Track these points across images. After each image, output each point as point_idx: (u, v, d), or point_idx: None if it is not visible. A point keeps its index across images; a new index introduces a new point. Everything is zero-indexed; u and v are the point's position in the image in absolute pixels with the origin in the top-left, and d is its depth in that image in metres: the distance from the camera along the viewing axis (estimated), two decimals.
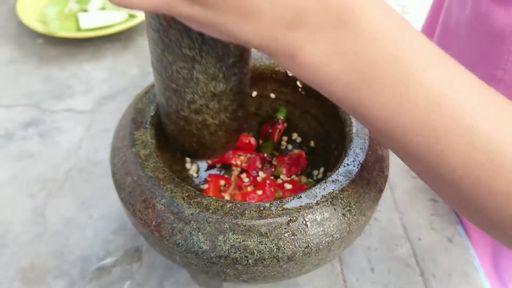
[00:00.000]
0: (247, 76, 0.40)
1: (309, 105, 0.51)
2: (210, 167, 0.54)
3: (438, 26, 0.59)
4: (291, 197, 0.37)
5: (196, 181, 0.52)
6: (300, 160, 0.52)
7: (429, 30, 0.67)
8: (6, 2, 0.89)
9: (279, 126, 0.53)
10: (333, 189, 0.37)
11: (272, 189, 0.49)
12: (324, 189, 0.37)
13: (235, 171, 0.53)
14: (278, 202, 0.36)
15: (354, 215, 0.37)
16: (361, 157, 0.40)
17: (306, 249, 0.35)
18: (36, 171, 0.60)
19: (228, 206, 0.36)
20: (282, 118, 0.54)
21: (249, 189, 0.50)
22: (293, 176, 0.52)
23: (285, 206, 0.36)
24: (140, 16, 0.81)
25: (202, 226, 0.35)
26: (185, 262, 0.37)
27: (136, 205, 0.38)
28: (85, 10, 0.82)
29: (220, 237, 0.35)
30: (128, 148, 0.40)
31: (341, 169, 0.39)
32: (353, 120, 0.43)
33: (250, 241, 0.35)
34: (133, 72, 0.76)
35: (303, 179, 0.51)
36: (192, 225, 0.35)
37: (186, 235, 0.35)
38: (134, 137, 0.41)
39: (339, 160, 0.41)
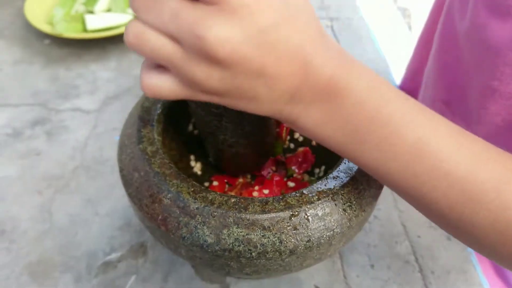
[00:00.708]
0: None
1: None
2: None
3: (437, 31, 0.60)
4: (293, 193, 0.38)
5: (200, 179, 0.53)
6: (308, 155, 0.53)
7: (428, 34, 0.69)
8: (14, 3, 0.91)
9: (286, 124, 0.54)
10: (334, 185, 0.38)
11: (278, 189, 0.50)
12: (325, 185, 0.38)
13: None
14: (280, 197, 0.37)
15: (355, 210, 0.38)
16: None
17: (307, 243, 0.36)
18: (43, 168, 0.62)
19: (232, 201, 0.37)
20: None
21: (256, 188, 0.51)
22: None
23: (288, 201, 0.37)
24: None
25: (207, 220, 0.36)
26: (190, 255, 0.39)
27: (143, 200, 0.39)
28: (91, 12, 0.83)
29: (225, 231, 0.36)
30: (136, 145, 0.42)
31: (342, 166, 0.40)
32: None
33: (254, 234, 0.36)
34: (138, 72, 0.77)
35: (305, 177, 0.52)
36: (198, 219, 0.36)
37: (191, 229, 0.37)
38: (141, 134, 0.42)
39: (340, 157, 0.42)
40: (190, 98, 0.30)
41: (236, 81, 0.28)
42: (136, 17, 0.27)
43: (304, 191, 0.38)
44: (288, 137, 0.57)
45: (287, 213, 0.36)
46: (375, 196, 0.40)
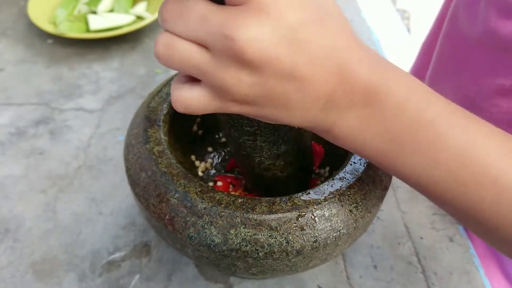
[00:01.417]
0: (305, 133, 0.44)
1: None
2: (227, 171, 0.56)
3: (441, 37, 0.61)
4: (300, 193, 0.38)
5: (204, 179, 0.54)
6: (316, 148, 0.53)
7: (431, 40, 0.69)
8: (17, 3, 0.91)
9: None
10: (340, 186, 0.39)
11: None
12: (331, 186, 0.39)
13: None
14: (287, 198, 0.38)
15: (361, 211, 0.39)
16: None
17: (314, 244, 0.37)
18: (47, 168, 0.62)
19: (239, 201, 0.37)
20: None
21: None
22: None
23: (294, 201, 0.37)
24: (148, 19, 0.82)
25: (214, 220, 0.37)
26: (196, 255, 0.39)
27: (150, 199, 0.39)
28: (94, 12, 0.84)
29: (232, 231, 0.36)
30: (142, 144, 0.42)
31: (348, 167, 0.40)
32: None
33: (261, 235, 0.36)
34: (140, 72, 0.78)
35: (322, 172, 0.53)
36: (205, 219, 0.37)
37: (198, 229, 0.37)
38: (147, 134, 0.42)
39: (345, 159, 0.43)
40: (221, 110, 0.29)
41: (267, 85, 0.27)
42: (165, 30, 0.27)
43: (311, 192, 0.38)
44: None
45: (294, 214, 0.37)
46: (381, 197, 0.41)
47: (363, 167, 0.40)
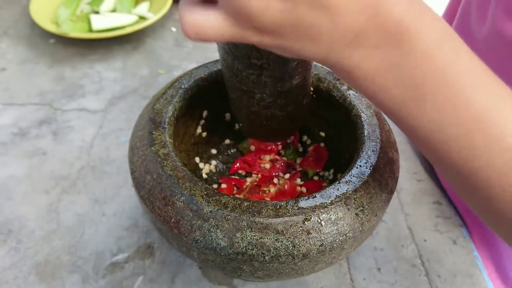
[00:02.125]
0: (310, 70, 0.43)
1: (320, 108, 0.52)
2: (231, 174, 0.55)
3: None
4: (306, 197, 0.38)
5: (208, 181, 0.54)
6: (320, 150, 0.53)
7: None
8: (19, 2, 0.91)
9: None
10: (346, 190, 0.39)
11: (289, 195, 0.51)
12: (337, 190, 0.39)
13: (254, 177, 0.55)
14: (293, 201, 0.38)
15: (367, 215, 0.39)
16: (373, 159, 0.41)
17: (320, 247, 0.37)
18: (50, 168, 0.62)
19: (245, 204, 0.37)
20: None
21: (272, 189, 0.52)
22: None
23: (301, 205, 0.37)
24: (150, 19, 0.82)
25: (220, 223, 0.36)
26: (202, 258, 0.39)
27: (156, 202, 0.39)
28: (96, 12, 0.83)
29: (238, 234, 0.36)
30: (147, 147, 0.42)
31: (354, 171, 0.40)
32: (365, 124, 0.44)
33: (267, 238, 0.36)
34: (143, 73, 0.78)
35: (326, 175, 0.53)
36: (211, 222, 0.37)
37: (204, 232, 0.37)
38: (153, 136, 0.42)
39: (351, 162, 0.42)
40: (237, 39, 0.26)
41: (297, 12, 0.24)
42: None
43: (317, 195, 0.38)
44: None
45: (300, 217, 0.36)
46: (387, 201, 0.41)
47: (369, 171, 0.40)
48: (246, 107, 0.44)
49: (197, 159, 0.53)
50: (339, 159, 0.52)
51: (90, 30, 0.81)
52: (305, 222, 0.36)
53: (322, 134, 0.55)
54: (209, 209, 0.37)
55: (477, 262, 0.54)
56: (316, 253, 0.37)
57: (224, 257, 0.37)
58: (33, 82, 0.74)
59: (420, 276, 0.53)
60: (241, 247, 0.36)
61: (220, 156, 0.56)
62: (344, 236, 0.37)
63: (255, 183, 0.53)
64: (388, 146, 0.44)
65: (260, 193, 0.52)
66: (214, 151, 0.56)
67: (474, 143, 0.29)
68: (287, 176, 0.53)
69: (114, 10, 0.85)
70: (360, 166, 0.41)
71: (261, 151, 0.55)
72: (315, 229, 0.37)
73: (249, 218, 0.36)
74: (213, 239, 0.36)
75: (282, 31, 0.25)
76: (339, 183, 0.39)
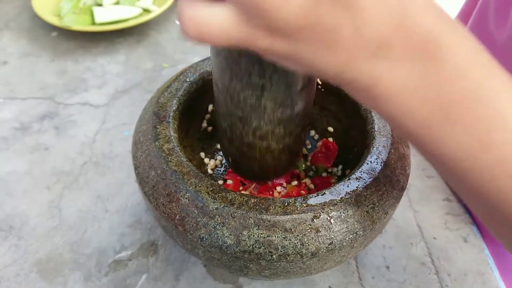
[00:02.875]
0: (312, 98, 0.39)
1: (329, 102, 0.51)
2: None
3: None
4: (315, 194, 0.37)
5: (213, 177, 0.52)
6: (329, 144, 0.52)
7: None
8: None
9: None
10: (356, 186, 0.37)
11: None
12: (347, 186, 0.37)
13: None
14: (302, 198, 0.36)
15: (378, 212, 0.37)
16: (384, 155, 0.40)
17: (329, 246, 0.35)
18: (52, 164, 0.61)
19: (252, 201, 0.36)
20: None
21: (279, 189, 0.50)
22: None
23: (309, 202, 0.36)
24: (154, 12, 0.81)
25: (226, 220, 0.35)
26: (207, 256, 0.38)
27: (160, 198, 0.38)
28: (99, 4, 0.82)
29: (245, 232, 0.35)
30: (152, 142, 0.40)
31: (365, 167, 0.39)
32: (375, 118, 0.43)
33: (275, 236, 0.35)
34: (147, 66, 0.76)
35: (335, 171, 0.52)
36: (217, 220, 0.35)
37: (210, 230, 0.36)
38: (157, 131, 0.41)
39: (360, 157, 0.41)
40: (245, 42, 0.23)
41: (319, 10, 0.21)
42: None
43: (326, 192, 0.37)
44: None
45: (309, 215, 0.35)
46: (398, 198, 0.39)
47: (380, 167, 0.39)
48: (239, 138, 0.40)
49: (202, 154, 0.52)
50: (348, 155, 0.50)
51: (93, 23, 0.79)
52: (314, 220, 0.35)
53: (330, 129, 0.53)
54: (215, 206, 0.36)
55: (488, 261, 0.53)
56: (325, 252, 0.35)
57: (230, 256, 0.36)
58: (35, 76, 0.73)
59: (430, 275, 0.51)
60: (248, 245, 0.35)
61: None
62: (354, 234, 0.36)
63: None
64: (399, 142, 0.42)
65: (268, 190, 0.50)
66: (219, 146, 0.55)
67: (511, 171, 0.25)
68: (295, 183, 0.52)
69: (117, 3, 0.83)
70: (370, 162, 0.40)
71: None
72: (325, 227, 0.35)
73: (256, 215, 0.35)
74: (219, 237, 0.35)
75: (297, 33, 0.22)
76: (349, 179, 0.38)
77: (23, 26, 0.83)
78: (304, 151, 0.54)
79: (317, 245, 0.35)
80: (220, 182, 0.51)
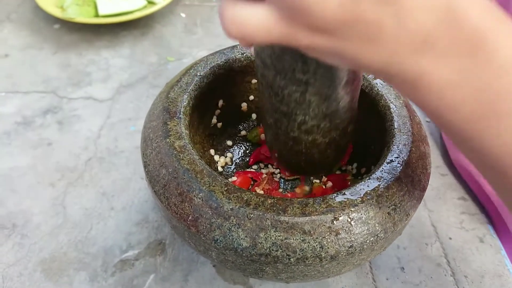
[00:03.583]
0: (358, 91, 0.38)
1: None
2: (250, 165, 0.53)
3: None
4: (335, 194, 0.35)
5: (224, 174, 0.51)
6: None
7: None
8: None
9: None
10: (377, 186, 0.36)
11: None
12: (368, 186, 0.36)
13: (270, 168, 0.52)
14: (321, 198, 0.35)
15: (399, 214, 0.36)
16: (405, 154, 0.38)
17: (350, 249, 0.34)
18: (55, 159, 0.59)
19: (269, 202, 0.34)
20: None
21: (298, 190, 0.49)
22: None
23: (329, 203, 0.34)
24: (159, 4, 0.79)
25: (242, 222, 0.34)
26: (221, 259, 0.36)
27: (171, 198, 0.36)
28: None
29: (261, 234, 0.33)
30: (162, 139, 0.39)
31: (385, 166, 0.37)
32: (394, 115, 0.41)
33: (293, 239, 0.33)
34: (152, 60, 0.75)
35: (349, 170, 0.51)
36: (232, 221, 0.34)
37: (225, 231, 0.34)
38: (167, 127, 0.39)
39: (381, 156, 0.40)
40: (286, 39, 0.23)
41: (359, 5, 0.21)
42: None
43: (346, 192, 0.35)
44: None
45: (329, 216, 0.34)
46: (419, 199, 0.38)
47: (401, 166, 0.37)
48: (285, 133, 0.39)
49: (212, 151, 0.50)
50: (363, 153, 0.49)
51: (97, 15, 0.77)
52: (334, 222, 0.34)
53: None
54: (230, 207, 0.34)
55: (505, 262, 0.51)
56: (345, 255, 0.34)
57: (246, 259, 0.34)
58: (37, 69, 0.71)
59: (446, 277, 0.50)
60: (265, 248, 0.33)
61: (236, 148, 0.53)
62: (376, 237, 0.35)
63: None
64: (420, 140, 0.41)
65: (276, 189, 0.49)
66: (229, 143, 0.53)
67: None
68: (317, 181, 0.50)
69: None
70: (391, 161, 0.38)
71: None
72: (345, 229, 0.34)
73: (274, 216, 0.33)
74: (234, 239, 0.34)
75: (339, 29, 0.22)
76: (369, 179, 0.36)
77: (25, 18, 0.81)
78: None
79: (337, 248, 0.34)
80: (231, 180, 0.50)
